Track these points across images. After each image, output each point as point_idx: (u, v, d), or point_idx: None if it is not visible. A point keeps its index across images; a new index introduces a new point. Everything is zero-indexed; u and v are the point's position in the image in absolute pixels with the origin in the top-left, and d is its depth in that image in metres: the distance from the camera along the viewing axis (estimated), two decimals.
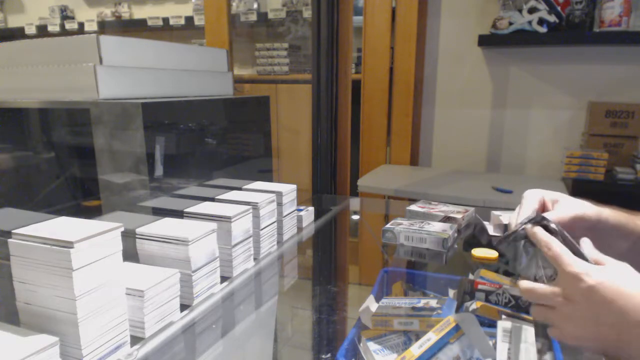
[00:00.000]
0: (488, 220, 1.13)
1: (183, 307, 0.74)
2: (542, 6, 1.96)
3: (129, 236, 0.77)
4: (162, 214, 0.85)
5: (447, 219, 1.13)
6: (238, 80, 2.97)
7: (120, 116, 0.82)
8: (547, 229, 0.55)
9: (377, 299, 0.66)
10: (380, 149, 2.39)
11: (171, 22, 3.18)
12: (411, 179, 2.03)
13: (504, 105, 2.29)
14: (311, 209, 1.23)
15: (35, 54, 0.91)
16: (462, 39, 2.29)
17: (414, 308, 0.61)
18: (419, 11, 2.23)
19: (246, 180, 1.10)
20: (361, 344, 0.61)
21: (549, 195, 0.62)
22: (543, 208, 0.62)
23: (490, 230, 1.08)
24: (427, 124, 2.46)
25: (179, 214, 0.87)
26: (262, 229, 0.96)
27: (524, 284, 0.54)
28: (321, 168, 1.64)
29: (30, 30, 3.61)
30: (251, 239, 0.92)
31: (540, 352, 0.57)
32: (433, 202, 1.25)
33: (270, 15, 2.89)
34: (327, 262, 1.10)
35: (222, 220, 0.84)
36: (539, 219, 0.56)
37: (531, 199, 0.61)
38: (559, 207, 0.60)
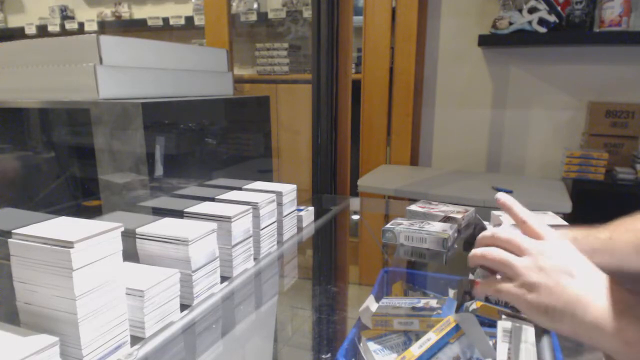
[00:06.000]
0: (488, 220, 1.12)
1: (183, 307, 0.74)
2: (542, 6, 1.96)
3: (129, 236, 0.77)
4: (162, 214, 0.85)
5: (447, 219, 1.13)
6: (238, 80, 2.97)
7: (120, 116, 0.82)
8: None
9: (377, 299, 0.66)
10: (380, 149, 2.39)
11: (171, 22, 3.17)
12: (411, 179, 2.03)
13: (504, 105, 2.29)
14: (311, 209, 1.23)
15: (35, 54, 0.91)
16: (462, 39, 2.29)
17: (414, 308, 0.61)
18: (419, 11, 2.23)
19: (246, 180, 1.10)
20: (361, 344, 0.61)
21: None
22: None
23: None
24: (427, 124, 2.46)
25: (179, 214, 0.87)
26: (262, 229, 0.96)
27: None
28: (321, 168, 1.64)
29: (30, 30, 3.61)
30: (251, 239, 0.92)
31: (540, 352, 0.57)
32: (433, 202, 1.25)
33: (270, 15, 2.89)
34: (327, 262, 1.10)
35: (222, 220, 0.84)
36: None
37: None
38: None
